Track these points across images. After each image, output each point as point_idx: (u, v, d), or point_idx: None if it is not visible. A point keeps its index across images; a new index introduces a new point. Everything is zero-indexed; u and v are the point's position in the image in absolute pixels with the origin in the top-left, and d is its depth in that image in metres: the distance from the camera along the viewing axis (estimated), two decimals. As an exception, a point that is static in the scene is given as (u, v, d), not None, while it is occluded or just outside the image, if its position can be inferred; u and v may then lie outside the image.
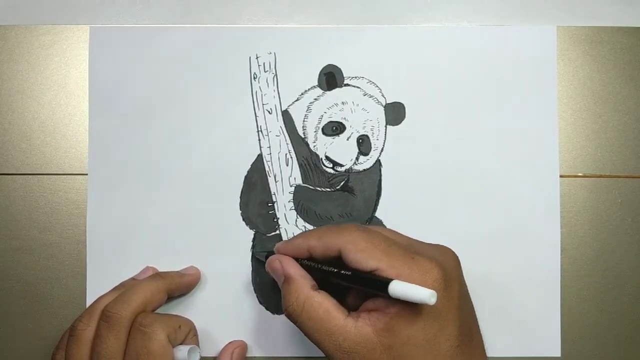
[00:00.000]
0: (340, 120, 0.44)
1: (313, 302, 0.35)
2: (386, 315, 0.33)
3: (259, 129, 0.44)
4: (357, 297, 0.37)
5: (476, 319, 0.37)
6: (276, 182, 0.44)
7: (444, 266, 0.34)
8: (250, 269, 0.44)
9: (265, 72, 0.44)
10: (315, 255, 0.37)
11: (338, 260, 0.36)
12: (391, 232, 0.38)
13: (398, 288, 0.32)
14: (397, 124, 0.44)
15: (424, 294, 0.31)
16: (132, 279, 0.43)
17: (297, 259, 0.38)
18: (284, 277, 0.37)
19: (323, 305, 0.35)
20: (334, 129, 0.44)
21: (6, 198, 0.44)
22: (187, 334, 0.40)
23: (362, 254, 0.34)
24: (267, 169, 0.44)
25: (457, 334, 0.34)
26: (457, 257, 0.37)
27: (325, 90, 0.44)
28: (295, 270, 0.37)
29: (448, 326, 0.34)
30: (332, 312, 0.35)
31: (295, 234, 0.44)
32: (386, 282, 0.32)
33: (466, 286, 0.37)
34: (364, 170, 0.44)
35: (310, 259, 0.38)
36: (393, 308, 0.33)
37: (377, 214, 0.44)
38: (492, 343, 0.43)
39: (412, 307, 0.33)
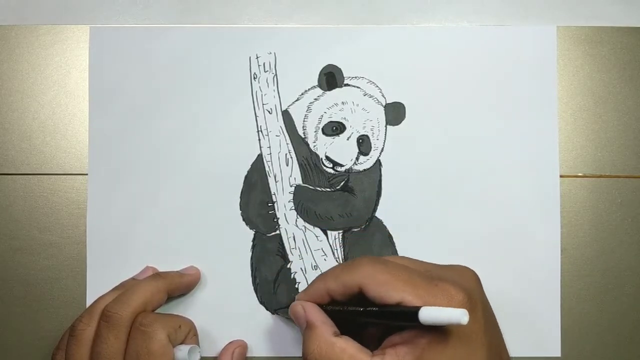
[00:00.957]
0: (340, 120, 0.44)
1: (335, 348, 0.34)
2: (416, 347, 0.33)
3: (259, 129, 0.44)
4: (377, 335, 0.36)
5: (503, 340, 0.37)
6: (276, 182, 0.44)
7: (467, 289, 0.34)
8: (250, 269, 0.44)
9: (265, 72, 0.44)
10: (336, 297, 0.36)
11: (359, 297, 0.35)
12: (406, 259, 0.38)
13: (429, 314, 0.31)
14: (397, 124, 0.44)
15: (457, 314, 0.31)
16: (132, 279, 0.43)
17: (320, 305, 0.37)
18: (306, 324, 0.36)
19: (346, 351, 0.34)
20: (334, 129, 0.44)
21: (6, 198, 0.44)
22: (187, 333, 0.40)
23: (384, 287, 0.34)
24: (267, 169, 0.44)
25: (486, 356, 0.34)
26: (477, 275, 0.37)
27: (325, 90, 0.44)
28: (317, 317, 0.36)
29: (477, 350, 0.34)
30: (357, 355, 0.34)
31: (295, 234, 0.44)
32: (415, 310, 0.32)
33: (489, 305, 0.36)
34: (364, 170, 0.44)
35: (332, 302, 0.37)
36: (423, 339, 0.33)
37: (377, 214, 0.44)
38: (492, 343, 0.43)
39: (440, 336, 0.33)
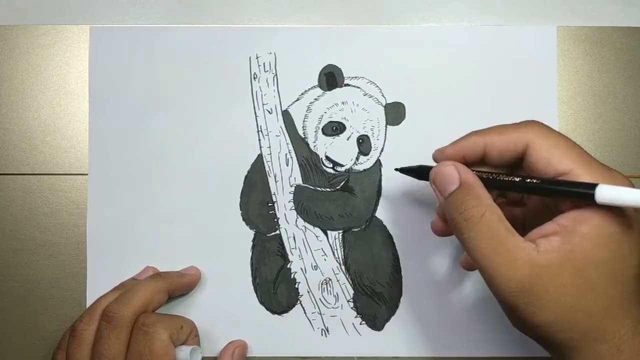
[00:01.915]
0: (340, 120, 0.44)
1: (495, 215, 0.30)
2: (575, 235, 0.29)
3: (259, 129, 0.44)
4: (513, 221, 0.33)
5: None
6: (276, 182, 0.44)
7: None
8: (250, 269, 0.44)
9: (265, 72, 0.44)
10: (491, 155, 0.33)
11: (511, 166, 0.32)
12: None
13: (608, 192, 0.28)
14: (397, 124, 0.44)
15: (639, 196, 0.27)
16: (133, 279, 0.43)
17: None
18: (459, 184, 0.32)
19: (504, 222, 0.30)
20: (334, 129, 0.44)
21: (6, 198, 0.44)
22: (189, 334, 0.40)
23: (556, 150, 0.30)
24: (267, 169, 0.44)
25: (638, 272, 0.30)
26: None
27: (325, 90, 0.44)
28: (474, 179, 0.32)
29: (635, 250, 0.30)
30: (513, 231, 0.30)
31: (295, 234, 0.44)
32: (592, 185, 0.28)
33: None
34: (364, 170, 0.44)
35: (477, 165, 0.33)
36: (584, 226, 0.29)
37: (377, 214, 0.44)
38: (492, 342, 0.43)
39: (607, 226, 0.29)
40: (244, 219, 0.44)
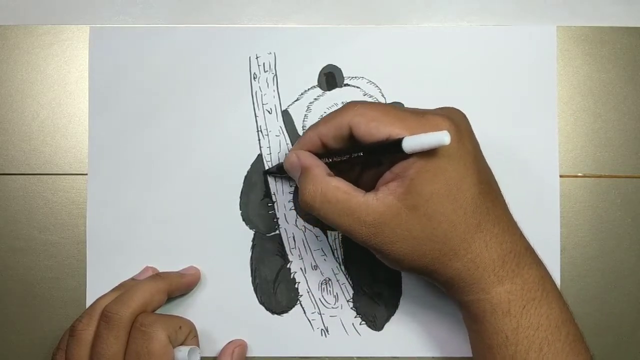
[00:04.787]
0: (340, 120, 0.44)
1: (330, 186, 0.36)
2: (405, 178, 0.34)
3: (259, 129, 0.44)
4: (373, 182, 0.37)
5: (491, 170, 0.37)
6: (276, 182, 0.44)
7: (455, 120, 0.35)
8: (250, 269, 0.44)
9: (265, 72, 0.44)
10: (327, 142, 0.37)
11: (350, 143, 0.36)
12: (395, 105, 0.38)
13: (410, 142, 0.32)
14: (397, 124, 0.44)
15: (437, 136, 0.31)
16: (132, 279, 0.43)
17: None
18: (300, 170, 0.37)
19: (341, 188, 0.35)
20: (334, 129, 0.44)
21: (6, 198, 0.44)
22: (188, 334, 0.40)
23: (374, 122, 0.34)
24: (267, 169, 0.44)
25: (477, 181, 0.35)
26: (466, 116, 0.37)
27: (325, 90, 0.44)
28: (311, 161, 0.37)
29: (467, 175, 0.34)
30: (351, 192, 0.35)
31: (295, 234, 0.44)
32: (398, 140, 0.33)
33: (477, 142, 0.37)
34: (364, 170, 0.44)
35: (322, 152, 0.38)
36: (411, 169, 0.34)
37: (377, 214, 0.44)
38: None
39: (430, 163, 0.34)
40: (243, 219, 0.44)
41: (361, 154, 0.35)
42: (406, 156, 0.33)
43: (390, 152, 0.34)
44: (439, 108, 0.37)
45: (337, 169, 0.37)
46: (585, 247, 0.44)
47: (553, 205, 0.44)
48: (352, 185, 0.36)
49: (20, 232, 0.44)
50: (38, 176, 0.44)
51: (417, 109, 0.37)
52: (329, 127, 0.37)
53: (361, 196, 0.35)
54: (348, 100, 0.44)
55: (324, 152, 0.38)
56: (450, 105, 0.38)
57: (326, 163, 0.37)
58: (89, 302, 0.43)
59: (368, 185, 0.37)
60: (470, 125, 0.37)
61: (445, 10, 0.45)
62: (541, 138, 0.44)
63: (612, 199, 0.44)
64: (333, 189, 0.35)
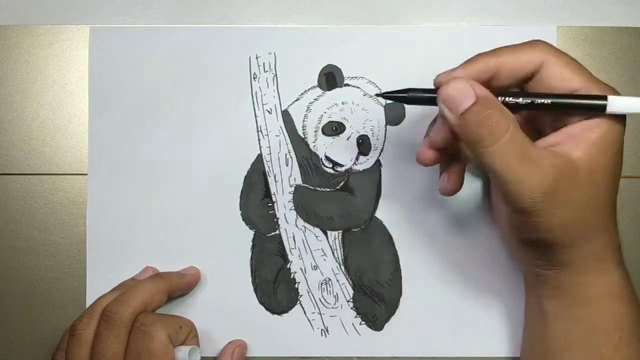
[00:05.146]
0: (340, 120, 0.44)
1: (517, 126, 0.32)
2: (583, 142, 0.32)
3: (259, 129, 0.44)
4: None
5: None
6: (276, 182, 0.44)
7: None
8: (250, 269, 0.44)
9: (265, 72, 0.44)
10: (502, 75, 0.34)
11: (520, 86, 0.34)
12: None
13: (618, 102, 0.32)
14: (396, 124, 0.44)
15: None
16: (132, 279, 0.43)
17: None
18: (475, 99, 0.32)
19: (523, 133, 0.32)
20: (334, 129, 0.44)
21: (6, 198, 0.44)
22: (188, 334, 0.40)
23: (568, 69, 0.32)
24: (267, 169, 0.44)
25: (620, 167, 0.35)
26: None
27: (325, 90, 0.44)
28: (489, 93, 0.32)
29: (621, 159, 0.34)
30: (530, 140, 0.32)
31: (295, 234, 0.44)
32: (604, 97, 0.31)
33: None
34: (364, 170, 0.44)
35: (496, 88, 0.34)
36: (593, 133, 0.32)
37: (377, 214, 0.44)
38: (492, 343, 0.43)
39: (609, 134, 0.33)
40: (243, 219, 0.44)
41: (549, 102, 0.32)
42: (589, 117, 0.32)
43: (585, 108, 0.32)
44: None
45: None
46: (585, 247, 0.43)
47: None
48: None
49: (20, 232, 0.44)
50: (38, 176, 0.44)
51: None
52: (514, 58, 0.33)
53: (543, 149, 0.32)
54: (348, 100, 0.44)
55: (498, 90, 0.33)
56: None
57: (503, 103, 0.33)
58: (89, 302, 0.43)
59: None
60: None
61: (445, 10, 0.45)
62: (541, 138, 0.44)
63: (612, 199, 0.44)
64: (520, 131, 0.32)
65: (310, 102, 0.44)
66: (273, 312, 0.44)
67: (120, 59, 0.44)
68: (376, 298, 0.44)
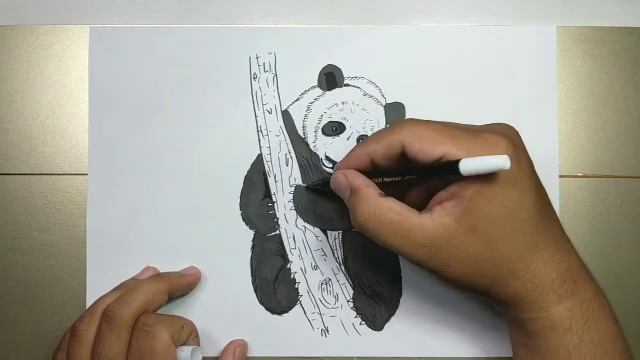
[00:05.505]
0: (340, 120, 0.44)
1: (383, 207, 0.35)
2: (462, 199, 0.33)
3: (259, 129, 0.44)
4: (422, 199, 0.37)
5: (544, 187, 0.37)
6: (276, 182, 0.44)
7: (510, 138, 0.34)
8: (250, 269, 0.44)
9: (265, 72, 0.44)
10: (377, 160, 0.36)
11: (401, 161, 0.35)
12: (448, 122, 0.37)
13: (469, 164, 0.31)
14: (397, 124, 0.44)
15: (498, 161, 0.31)
16: (133, 279, 0.43)
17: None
18: (350, 190, 0.36)
19: (394, 209, 0.35)
20: (334, 129, 0.44)
21: (6, 198, 0.44)
22: (189, 334, 0.40)
23: (427, 142, 0.34)
24: (267, 169, 0.44)
25: (535, 201, 0.34)
26: (518, 132, 0.36)
27: (325, 90, 0.44)
28: (361, 181, 0.36)
29: (525, 196, 0.34)
30: (405, 212, 0.34)
31: (295, 234, 0.44)
32: (455, 162, 0.32)
33: (531, 159, 0.36)
34: (364, 170, 0.44)
35: (371, 170, 0.37)
36: (469, 190, 0.33)
37: (377, 214, 0.44)
38: (492, 343, 0.43)
39: (488, 184, 0.33)
40: (243, 219, 0.44)
41: (414, 176, 0.34)
42: (462, 177, 0.32)
43: (445, 173, 0.33)
44: (492, 124, 0.36)
45: (384, 185, 0.36)
46: (585, 247, 0.44)
47: (553, 206, 0.43)
48: (405, 205, 0.35)
49: (20, 232, 0.44)
50: (38, 176, 0.44)
51: (470, 125, 0.36)
52: (380, 145, 0.36)
53: (416, 217, 0.34)
54: (348, 100, 0.44)
55: (372, 171, 0.37)
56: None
57: (376, 183, 0.36)
58: (89, 302, 0.43)
59: (417, 202, 0.37)
60: (523, 142, 0.36)
61: (445, 10, 0.45)
62: (541, 138, 0.44)
63: (612, 199, 0.44)
64: (386, 210, 0.35)
65: (310, 102, 0.44)
66: (273, 312, 0.44)
67: (120, 59, 0.44)
68: (376, 298, 0.44)
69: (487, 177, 0.33)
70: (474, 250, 0.34)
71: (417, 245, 0.34)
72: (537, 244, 0.34)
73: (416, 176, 0.34)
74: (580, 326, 0.35)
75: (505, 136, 0.34)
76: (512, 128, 0.36)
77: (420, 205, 0.35)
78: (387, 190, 0.36)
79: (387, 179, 0.36)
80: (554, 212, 0.37)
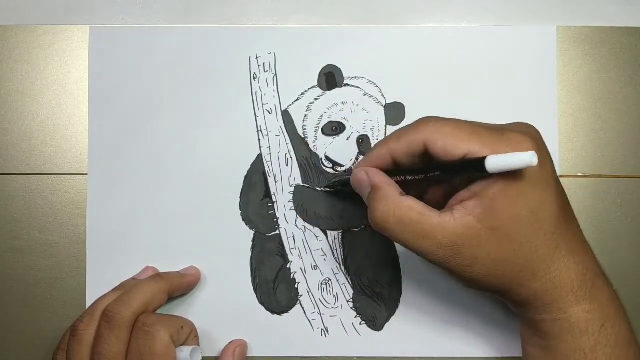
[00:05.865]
0: (340, 120, 0.44)
1: (403, 206, 0.34)
2: (485, 198, 0.33)
3: (259, 129, 0.44)
4: (440, 199, 0.37)
5: (564, 189, 0.36)
6: (276, 182, 0.44)
7: (534, 137, 0.34)
8: (250, 269, 0.44)
9: (265, 72, 0.44)
10: (399, 159, 0.36)
11: (422, 160, 0.35)
12: (469, 120, 0.36)
13: (496, 161, 0.31)
14: (397, 124, 0.44)
15: (525, 157, 0.30)
16: (133, 279, 0.43)
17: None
18: (370, 187, 0.36)
19: (415, 209, 0.34)
20: (334, 129, 0.44)
21: (6, 198, 0.44)
22: (189, 334, 0.40)
23: (450, 139, 0.33)
24: (267, 169, 0.44)
25: (557, 202, 0.34)
26: (539, 131, 0.36)
27: (325, 90, 0.44)
28: (381, 179, 0.36)
29: (548, 196, 0.34)
30: (425, 213, 0.34)
31: (295, 234, 0.44)
32: (482, 159, 0.31)
33: (552, 160, 0.36)
34: (364, 170, 0.44)
35: (392, 170, 0.36)
36: (492, 189, 0.33)
37: (377, 214, 0.44)
38: (492, 343, 0.43)
39: (511, 184, 0.33)
40: (243, 219, 0.44)
41: (438, 173, 0.34)
42: (486, 175, 0.32)
43: (470, 171, 0.33)
44: (514, 124, 0.36)
45: (405, 184, 0.36)
46: (585, 247, 0.44)
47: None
48: (425, 205, 0.35)
49: (20, 232, 0.44)
50: (38, 176, 0.44)
51: (494, 124, 0.35)
52: (402, 144, 0.35)
53: (436, 217, 0.34)
54: (348, 100, 0.44)
55: (393, 170, 0.36)
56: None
57: (397, 181, 0.36)
58: (89, 302, 0.43)
59: (435, 201, 0.36)
60: (544, 142, 0.36)
61: (445, 10, 0.45)
62: (541, 138, 0.44)
63: (612, 199, 0.44)
64: (406, 210, 0.34)
65: (310, 102, 0.44)
66: (273, 312, 0.44)
67: (120, 59, 0.44)
68: (376, 298, 0.44)
69: (511, 176, 0.32)
70: (496, 250, 0.33)
71: (438, 245, 0.34)
72: (558, 245, 0.34)
73: (440, 174, 0.34)
74: (597, 329, 0.35)
75: (530, 136, 0.34)
76: (534, 127, 0.36)
77: (438, 205, 0.35)
78: (408, 189, 0.36)
79: (409, 177, 0.35)
80: (574, 213, 0.36)
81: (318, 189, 0.44)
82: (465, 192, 0.34)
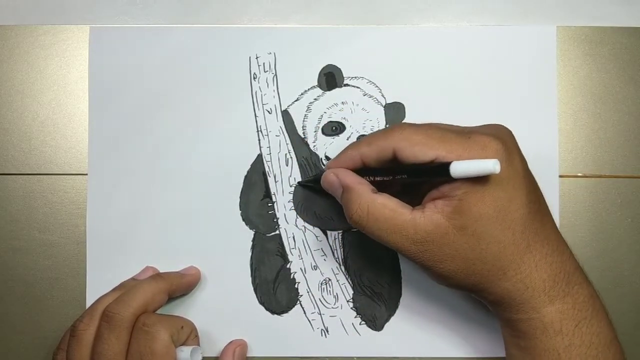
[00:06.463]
0: (340, 120, 0.44)
1: (376, 204, 0.35)
2: (454, 198, 0.34)
3: (259, 129, 0.44)
4: (416, 198, 0.37)
5: (538, 187, 0.37)
6: (276, 182, 0.44)
7: (502, 138, 0.35)
8: (250, 269, 0.44)
9: (265, 72, 0.44)
10: (369, 162, 0.37)
11: (392, 163, 0.36)
12: (441, 124, 0.37)
13: (459, 167, 0.32)
14: (397, 124, 0.44)
15: (487, 165, 0.31)
16: (133, 279, 0.43)
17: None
18: (342, 188, 0.37)
19: (387, 205, 0.35)
20: (334, 128, 0.44)
21: (6, 198, 0.44)
22: (189, 334, 0.40)
23: (418, 146, 0.34)
24: (267, 169, 0.44)
25: (527, 201, 0.34)
26: (512, 132, 0.37)
27: (325, 90, 0.44)
28: (352, 179, 0.37)
29: (517, 195, 0.34)
30: (398, 209, 0.35)
31: (295, 234, 0.44)
32: (446, 165, 0.32)
33: (525, 159, 0.36)
34: (364, 170, 0.44)
35: (362, 169, 0.37)
36: (459, 190, 0.34)
37: (377, 214, 0.44)
38: (492, 343, 0.43)
39: (479, 184, 0.33)
40: (243, 219, 0.44)
41: (405, 176, 0.35)
42: (453, 179, 0.33)
43: (436, 176, 0.34)
44: (484, 126, 0.37)
45: (376, 184, 0.37)
46: (585, 247, 0.44)
47: (553, 206, 0.43)
48: (398, 201, 0.36)
49: (20, 232, 0.44)
50: (38, 176, 0.44)
51: (463, 127, 0.36)
52: (372, 149, 0.36)
53: (408, 213, 0.35)
54: (348, 100, 0.44)
55: (363, 169, 0.37)
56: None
57: (368, 181, 0.37)
58: (89, 302, 0.43)
59: (409, 198, 0.37)
60: (516, 142, 0.36)
61: (445, 10, 0.45)
62: (541, 138, 0.44)
63: (612, 199, 0.44)
64: (380, 207, 0.35)
65: (310, 102, 0.44)
66: (273, 312, 0.44)
67: (120, 59, 0.44)
68: (376, 298, 0.44)
69: (478, 178, 0.33)
70: (464, 248, 0.34)
71: (410, 240, 0.35)
72: (528, 244, 0.34)
73: (407, 176, 0.35)
74: (571, 328, 0.35)
75: (497, 137, 0.34)
76: (505, 128, 0.36)
77: (412, 200, 0.36)
78: (380, 188, 0.37)
79: (378, 178, 0.36)
80: (549, 212, 0.37)
81: (291, 185, 0.44)
82: (435, 192, 0.35)
